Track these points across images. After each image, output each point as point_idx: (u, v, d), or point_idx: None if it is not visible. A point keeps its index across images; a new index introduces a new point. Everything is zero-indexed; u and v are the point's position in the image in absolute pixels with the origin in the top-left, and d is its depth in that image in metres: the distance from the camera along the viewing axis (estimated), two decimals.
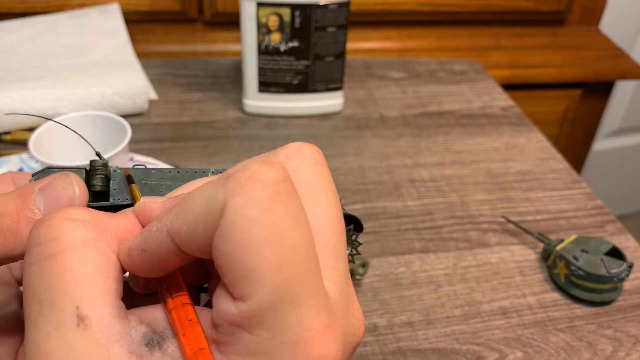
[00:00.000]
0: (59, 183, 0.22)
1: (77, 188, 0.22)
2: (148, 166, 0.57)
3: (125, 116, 0.70)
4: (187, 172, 0.25)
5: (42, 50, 0.77)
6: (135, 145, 0.65)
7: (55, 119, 0.54)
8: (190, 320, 0.18)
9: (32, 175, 0.24)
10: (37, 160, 0.52)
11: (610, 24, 1.26)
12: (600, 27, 1.14)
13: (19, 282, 0.28)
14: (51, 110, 0.66)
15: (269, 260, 0.17)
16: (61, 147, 0.53)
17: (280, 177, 0.17)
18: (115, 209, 0.25)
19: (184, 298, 0.19)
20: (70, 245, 0.18)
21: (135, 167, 0.25)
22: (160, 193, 0.25)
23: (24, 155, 0.57)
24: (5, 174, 0.26)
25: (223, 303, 0.18)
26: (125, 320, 0.18)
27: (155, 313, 0.19)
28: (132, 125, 0.68)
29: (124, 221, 0.21)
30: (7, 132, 0.65)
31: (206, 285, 0.23)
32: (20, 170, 0.56)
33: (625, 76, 1.07)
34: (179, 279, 0.20)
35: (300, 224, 0.18)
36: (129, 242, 0.20)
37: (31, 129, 0.65)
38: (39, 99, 0.66)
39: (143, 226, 0.21)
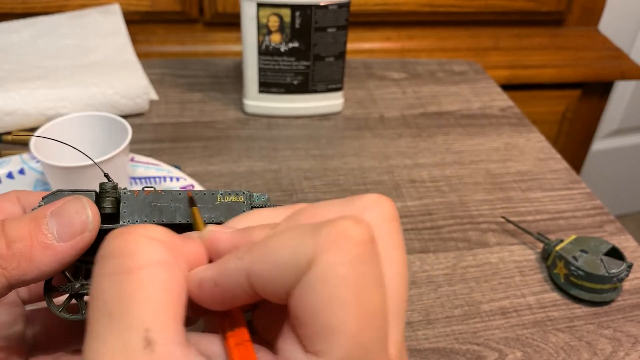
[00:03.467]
0: (71, 207, 0.22)
1: (90, 212, 0.23)
2: (149, 166, 0.58)
3: (125, 116, 0.71)
4: (196, 193, 0.25)
5: (43, 50, 0.77)
6: (135, 146, 0.65)
7: (52, 122, 0.54)
8: None
9: (42, 199, 0.24)
10: (38, 161, 0.52)
11: (610, 25, 1.26)
12: (599, 28, 1.14)
13: (25, 302, 0.28)
14: (52, 110, 0.66)
15: (351, 320, 0.17)
16: (62, 147, 0.53)
17: (368, 237, 0.18)
18: None
19: (245, 335, 0.19)
20: (147, 264, 0.18)
21: (145, 188, 0.25)
22: (170, 215, 0.25)
23: (24, 156, 0.57)
24: (10, 193, 0.26)
25: (293, 353, 0.18)
26: (186, 349, 0.18)
27: (212, 346, 0.19)
28: (133, 126, 0.69)
29: (195, 248, 0.20)
30: (8, 133, 0.65)
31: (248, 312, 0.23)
32: (21, 170, 0.56)
33: (624, 76, 1.07)
34: (240, 314, 0.20)
35: (381, 286, 0.18)
36: (201, 272, 0.19)
37: (32, 129, 0.65)
38: (40, 99, 0.66)
39: (210, 254, 0.21)
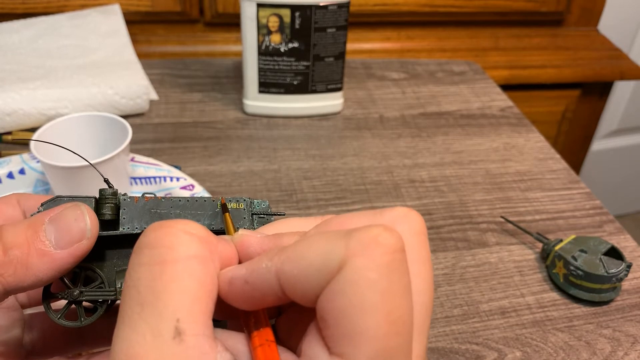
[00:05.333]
0: (70, 214, 0.22)
1: (89, 220, 0.23)
2: (149, 166, 0.58)
3: (126, 116, 0.71)
4: (196, 200, 0.26)
5: (43, 50, 0.77)
6: (136, 146, 0.66)
7: (52, 122, 0.54)
8: None
9: (42, 205, 0.24)
10: (39, 161, 0.52)
11: (609, 25, 1.26)
12: (598, 28, 1.14)
13: (24, 306, 0.28)
14: (52, 110, 0.66)
15: (379, 325, 0.17)
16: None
17: (399, 246, 0.18)
18: (124, 238, 0.25)
19: (269, 335, 0.19)
20: (184, 257, 0.18)
21: (146, 194, 0.25)
22: None
23: (25, 156, 0.57)
24: (10, 196, 0.26)
25: (317, 354, 0.18)
26: (214, 343, 0.18)
27: (238, 344, 0.19)
28: (133, 126, 0.69)
29: (228, 248, 0.21)
30: (9, 133, 0.65)
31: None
32: (22, 170, 0.56)
33: (623, 77, 1.07)
34: (265, 315, 0.20)
35: (408, 295, 0.18)
36: (232, 271, 0.20)
37: (33, 129, 0.65)
38: (40, 99, 0.66)
39: (240, 257, 0.21)
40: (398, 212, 0.21)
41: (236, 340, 0.19)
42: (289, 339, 0.21)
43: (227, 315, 0.21)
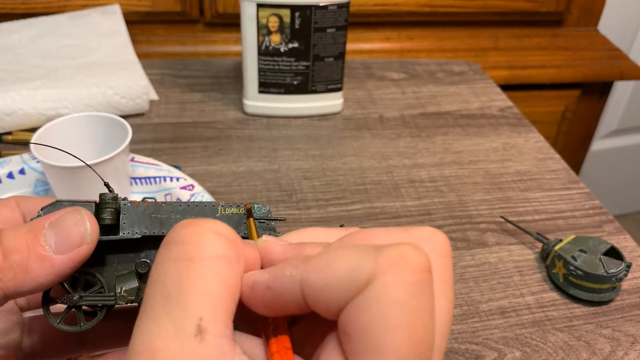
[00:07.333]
0: (70, 219, 0.22)
1: (89, 224, 0.23)
2: (149, 166, 0.58)
3: (126, 116, 0.71)
4: (196, 205, 0.25)
5: (43, 50, 0.77)
6: (136, 146, 0.66)
7: (53, 122, 0.54)
8: None
9: (42, 209, 0.24)
10: (39, 161, 0.52)
11: (609, 25, 1.27)
12: (598, 28, 1.14)
13: (23, 310, 0.28)
14: (52, 110, 0.66)
15: (403, 345, 0.17)
16: (62, 147, 0.53)
17: (426, 266, 0.18)
18: (124, 243, 0.25)
19: (287, 343, 0.19)
20: (212, 256, 0.18)
21: (146, 199, 0.25)
22: (171, 227, 0.25)
23: (25, 156, 0.57)
24: (10, 199, 0.25)
25: None
26: (233, 345, 0.18)
27: (255, 348, 0.19)
28: (133, 126, 0.69)
29: (252, 252, 0.21)
30: (9, 133, 0.66)
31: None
32: (22, 170, 0.56)
33: (623, 77, 1.07)
34: (284, 322, 0.20)
35: (432, 316, 0.18)
36: (255, 275, 0.20)
37: (33, 130, 0.65)
38: (40, 100, 0.66)
39: (262, 263, 0.21)
40: (424, 232, 0.21)
41: (253, 344, 0.19)
42: (302, 348, 0.21)
43: (245, 318, 0.21)
